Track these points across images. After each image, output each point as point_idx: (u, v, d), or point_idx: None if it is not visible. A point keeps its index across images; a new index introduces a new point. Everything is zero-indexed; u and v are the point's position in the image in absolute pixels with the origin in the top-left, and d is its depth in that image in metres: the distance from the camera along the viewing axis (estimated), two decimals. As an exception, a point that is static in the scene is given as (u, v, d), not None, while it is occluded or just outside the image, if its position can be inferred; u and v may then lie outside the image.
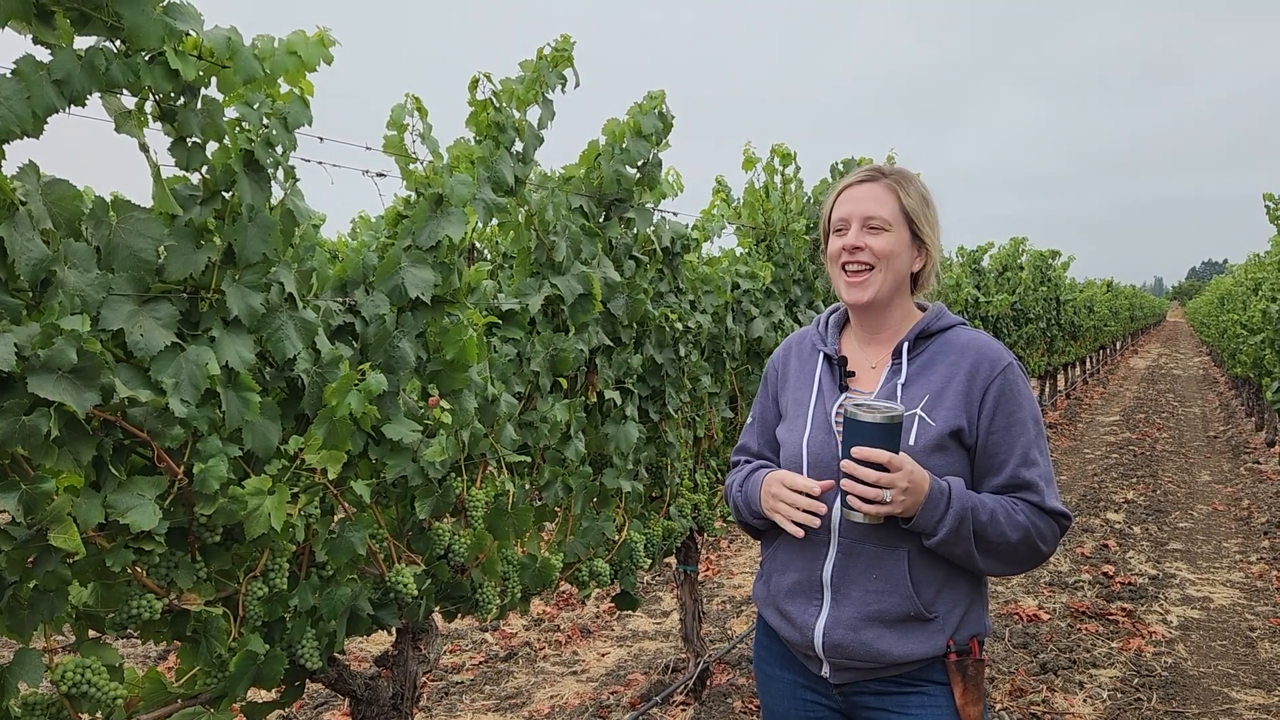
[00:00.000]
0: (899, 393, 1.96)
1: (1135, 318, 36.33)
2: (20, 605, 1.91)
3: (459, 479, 2.90)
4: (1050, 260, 14.20)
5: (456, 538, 2.86)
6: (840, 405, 1.98)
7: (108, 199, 2.00)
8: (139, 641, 2.01)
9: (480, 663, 5.50)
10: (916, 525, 1.84)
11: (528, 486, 3.25)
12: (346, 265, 2.59)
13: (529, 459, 3.20)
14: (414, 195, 2.75)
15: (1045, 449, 1.96)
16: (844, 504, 1.84)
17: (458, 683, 5.16)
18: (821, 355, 2.10)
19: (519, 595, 3.19)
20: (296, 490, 2.31)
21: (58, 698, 1.94)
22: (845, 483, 1.82)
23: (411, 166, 2.75)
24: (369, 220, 2.75)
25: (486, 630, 6.02)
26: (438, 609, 2.87)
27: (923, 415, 1.92)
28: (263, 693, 3.71)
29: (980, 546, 1.87)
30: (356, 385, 2.27)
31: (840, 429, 1.96)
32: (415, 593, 2.62)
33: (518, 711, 4.73)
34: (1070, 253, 15.33)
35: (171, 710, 2.15)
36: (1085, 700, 4.53)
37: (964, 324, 2.06)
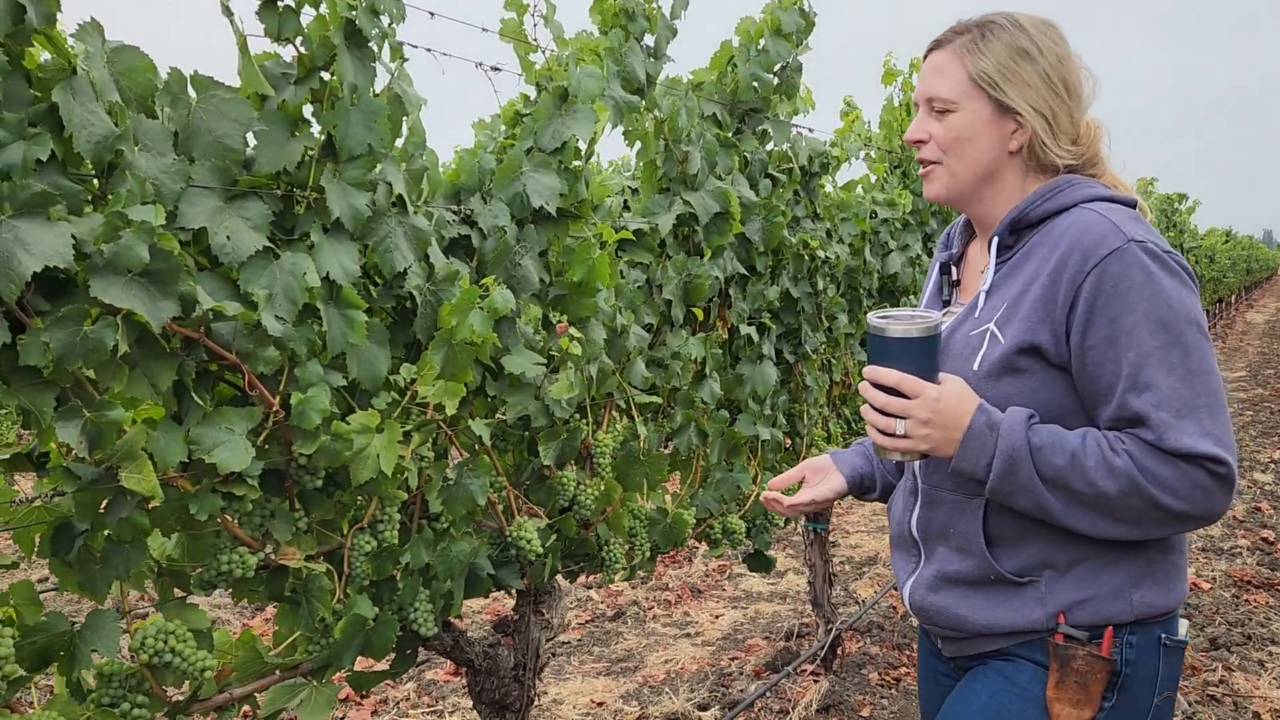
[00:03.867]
0: (981, 302, 1.56)
1: (1251, 270, 34.34)
2: (92, 558, 1.60)
3: (584, 421, 2.54)
4: (1177, 204, 13.25)
5: (582, 488, 2.51)
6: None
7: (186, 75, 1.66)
8: (233, 600, 1.67)
9: (587, 621, 5.21)
10: (957, 467, 1.46)
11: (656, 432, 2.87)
12: (460, 169, 2.22)
13: (658, 401, 2.82)
14: (535, 90, 2.36)
15: (1182, 364, 1.37)
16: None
17: (564, 643, 4.87)
18: (938, 264, 1.72)
19: (648, 554, 2.83)
20: (408, 429, 1.97)
21: (138, 668, 1.64)
22: (863, 409, 1.49)
23: (532, 57, 2.36)
24: (484, 123, 2.35)
25: (591, 587, 5.72)
26: (561, 568, 2.52)
27: (994, 330, 1.50)
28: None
29: (1061, 498, 1.41)
30: (479, 303, 1.91)
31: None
32: (539, 550, 2.27)
33: (630, 675, 4.41)
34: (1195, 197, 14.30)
35: (269, 682, 1.84)
36: (1273, 682, 4.01)
37: (1089, 202, 1.48)
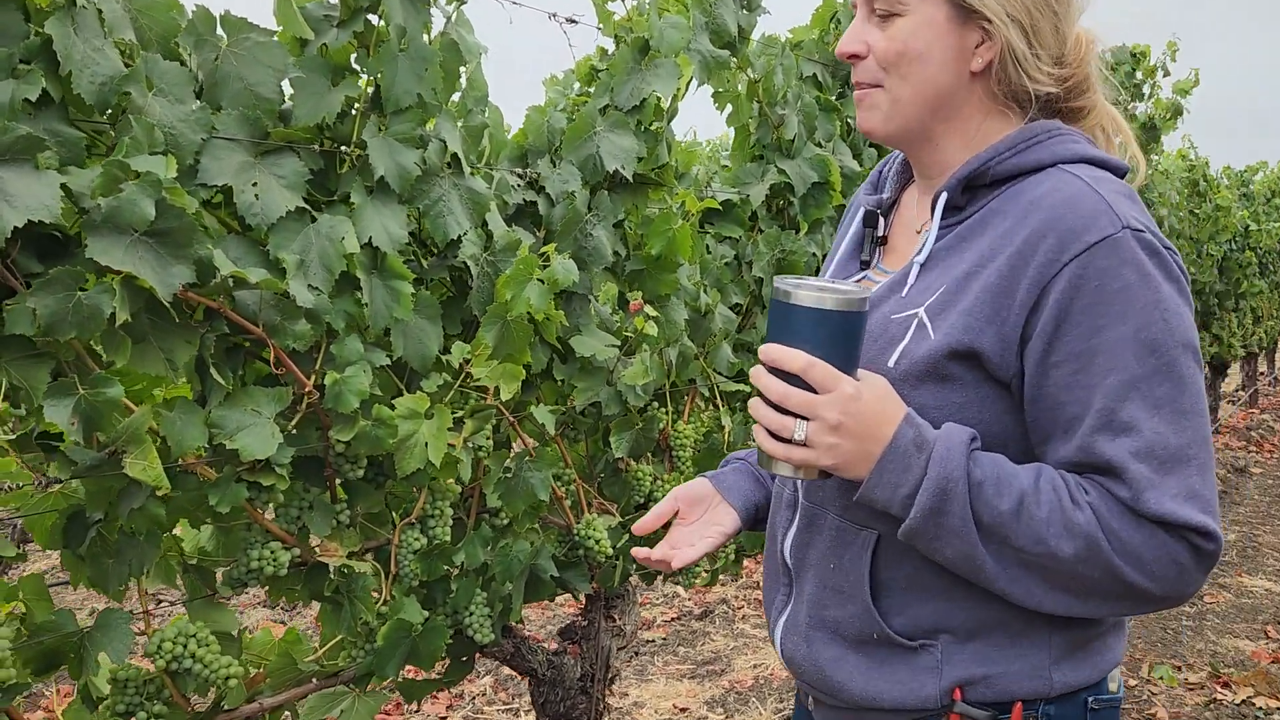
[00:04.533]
0: (912, 277, 1.18)
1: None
2: (105, 551, 1.45)
3: (662, 410, 2.31)
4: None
5: (659, 484, 2.28)
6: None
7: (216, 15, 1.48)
8: (270, 600, 1.49)
9: (673, 619, 4.99)
10: (867, 495, 1.08)
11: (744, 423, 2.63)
12: (528, 128, 2.01)
13: (746, 389, 2.57)
14: (613, 43, 2.14)
15: (1171, 401, 1.04)
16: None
17: (648, 641, 4.66)
18: (862, 210, 1.31)
19: (731, 556, 2.59)
20: (460, 415, 1.77)
21: (157, 674, 1.48)
22: (752, 403, 1.10)
23: (610, 7, 2.14)
24: (556, 79, 2.14)
25: (679, 583, 5.49)
26: (635, 571, 2.30)
27: (923, 319, 1.14)
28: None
29: (995, 553, 1.07)
30: (538, 274, 1.70)
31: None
32: (609, 550, 2.06)
33: (716, 680, 4.18)
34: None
35: (305, 691, 1.67)
36: None
37: (1073, 163, 1.13)
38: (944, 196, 1.16)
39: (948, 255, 1.16)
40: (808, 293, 1.04)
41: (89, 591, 5.01)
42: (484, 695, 4.02)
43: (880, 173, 1.34)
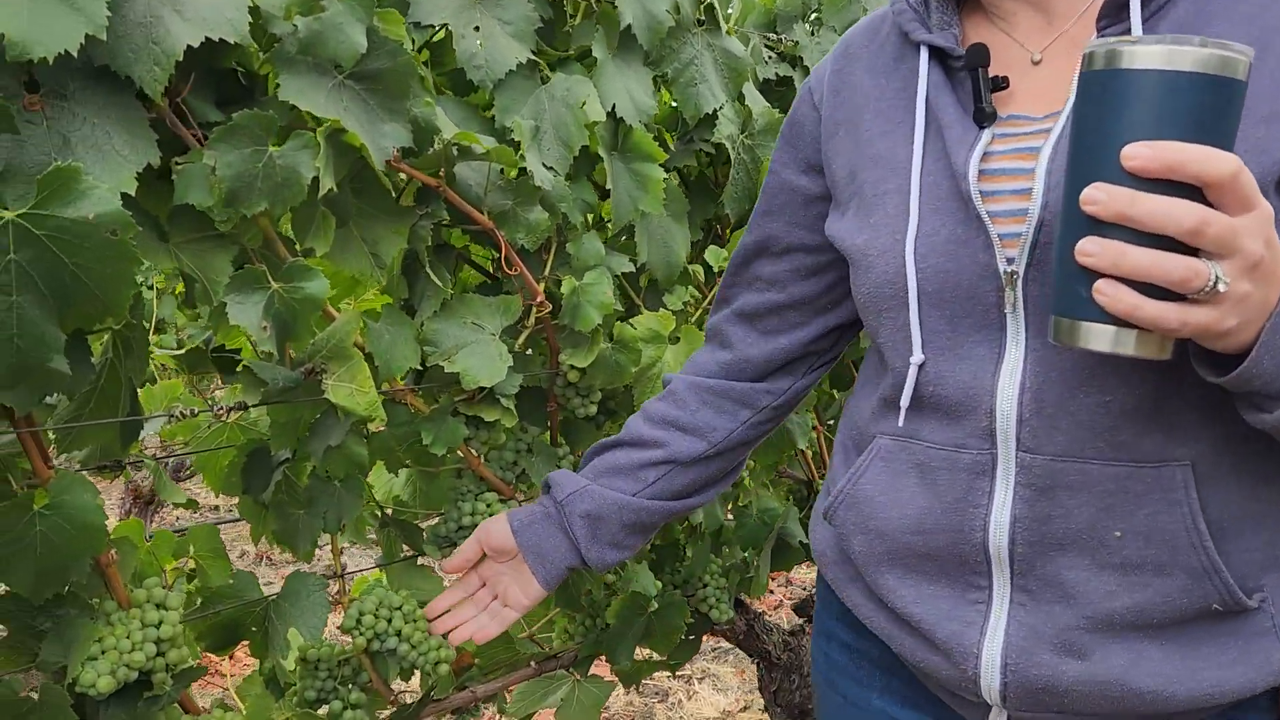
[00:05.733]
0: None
1: None
2: (294, 499, 1.14)
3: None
4: None
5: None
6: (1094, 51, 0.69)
7: None
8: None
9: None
10: (1252, 370, 0.71)
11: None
12: (779, -13, 1.61)
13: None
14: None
15: None
16: (1064, 310, 0.70)
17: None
18: (926, 52, 0.90)
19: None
20: (709, 340, 1.41)
21: (354, 653, 1.18)
22: (1104, 247, 0.66)
23: None
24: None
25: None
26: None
27: None
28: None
29: None
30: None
31: (1072, 117, 0.72)
32: (861, 513, 1.68)
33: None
34: None
35: (523, 677, 1.36)
36: None
37: None
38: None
39: None
40: (1158, 51, 0.63)
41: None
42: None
43: (919, 6, 0.92)
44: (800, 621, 1.80)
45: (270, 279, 0.90)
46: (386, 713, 1.21)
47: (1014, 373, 0.83)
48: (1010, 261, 0.82)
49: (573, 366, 1.24)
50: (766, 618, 1.73)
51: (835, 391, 1.83)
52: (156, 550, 1.16)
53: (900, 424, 0.91)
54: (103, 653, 0.93)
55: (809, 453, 1.73)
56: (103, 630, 0.94)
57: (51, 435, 0.99)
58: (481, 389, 1.15)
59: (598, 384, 1.26)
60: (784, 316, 1.06)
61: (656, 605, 1.40)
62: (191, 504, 1.18)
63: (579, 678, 1.43)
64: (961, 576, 0.88)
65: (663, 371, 1.32)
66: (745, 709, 3.25)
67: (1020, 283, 0.82)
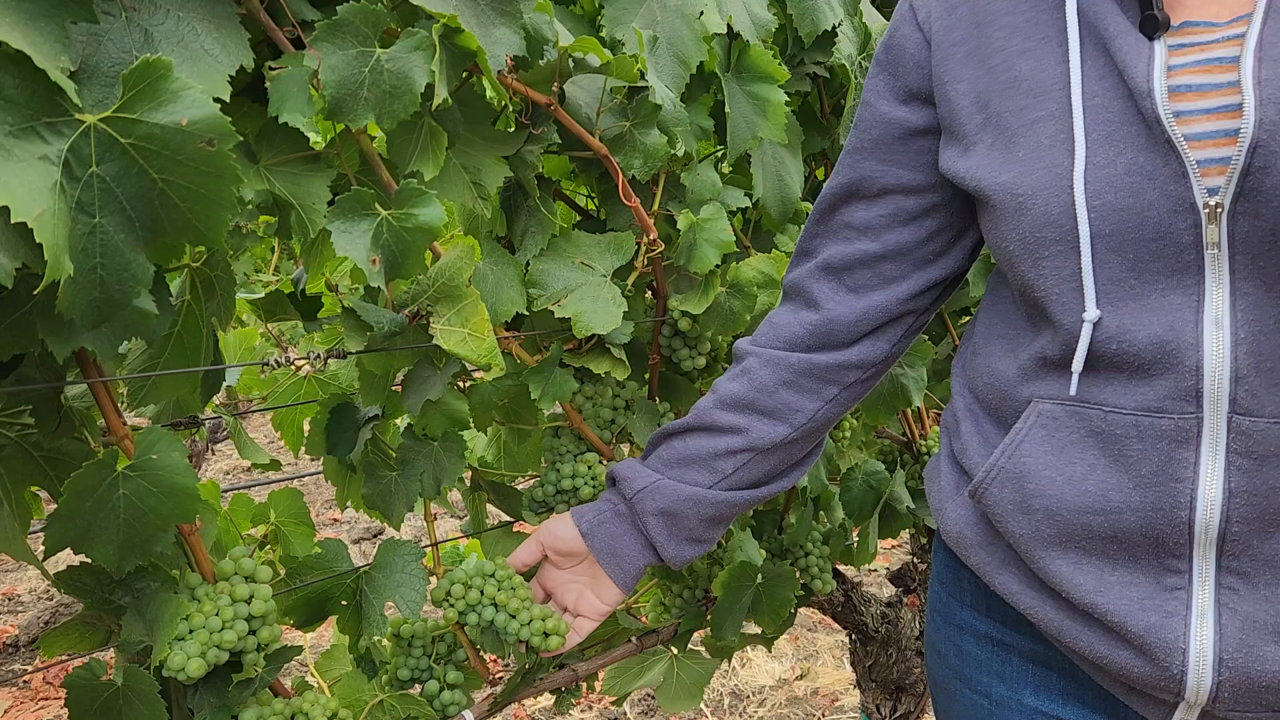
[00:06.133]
0: None
1: None
2: (385, 461, 1.03)
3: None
4: None
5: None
6: None
7: None
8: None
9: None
10: None
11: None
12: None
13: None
14: None
15: None
16: None
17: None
18: None
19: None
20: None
21: (449, 628, 1.08)
22: None
23: None
24: None
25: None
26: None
27: None
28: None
29: None
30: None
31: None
32: (965, 475, 1.56)
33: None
34: None
35: (624, 654, 1.25)
36: None
37: None
38: None
39: None
40: None
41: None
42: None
43: None
44: (897, 592, 1.69)
45: (378, 205, 0.78)
46: (484, 693, 1.10)
47: (1220, 322, 0.71)
48: (1212, 193, 0.69)
49: (684, 313, 1.12)
50: (864, 588, 1.62)
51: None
52: (234, 516, 1.05)
53: (1073, 389, 0.78)
54: (191, 632, 0.82)
55: (909, 410, 1.61)
56: (189, 607, 0.83)
57: (123, 388, 0.88)
58: (589, 338, 1.03)
59: (710, 333, 1.14)
60: (878, 270, 0.93)
61: (761, 575, 1.29)
62: (274, 464, 1.07)
63: (677, 654, 1.32)
64: (1155, 560, 0.76)
65: (775, 319, 1.20)
66: (801, 677, 3.16)
67: (1225, 217, 0.69)
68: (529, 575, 1.06)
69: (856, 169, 0.92)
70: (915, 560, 1.70)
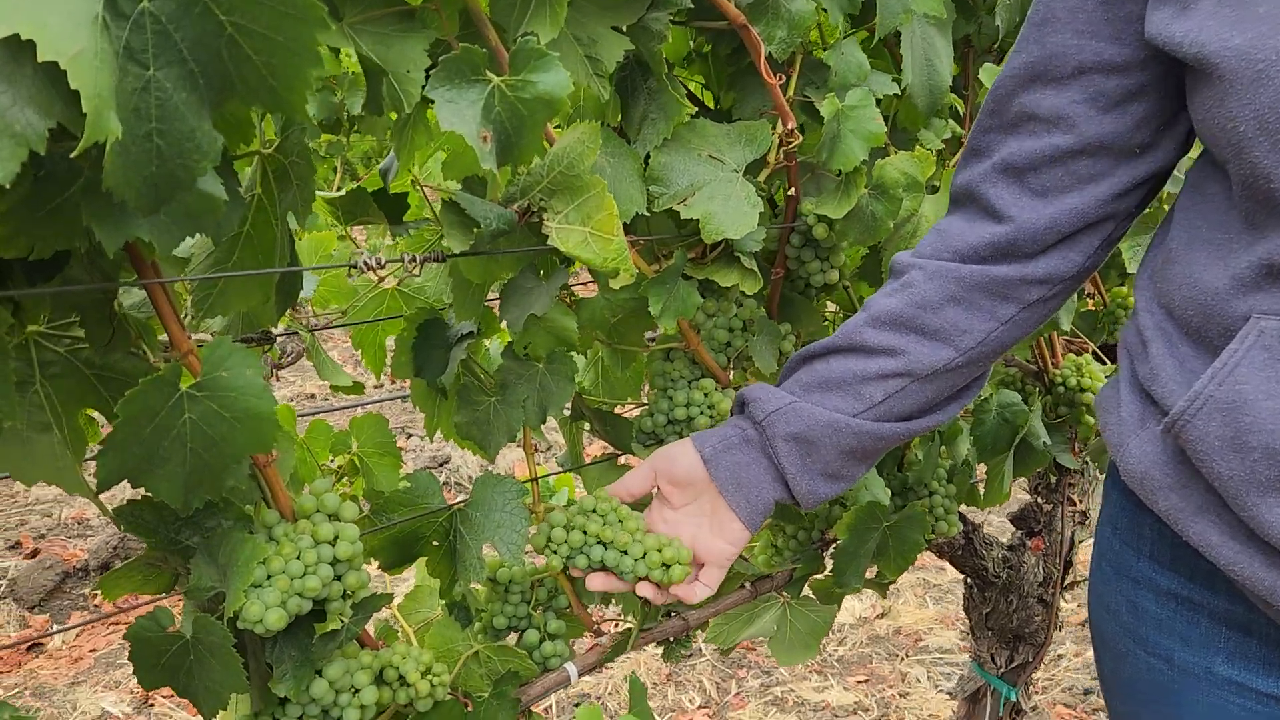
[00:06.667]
0: None
1: None
2: (481, 385, 0.90)
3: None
4: None
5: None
6: None
7: None
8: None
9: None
10: None
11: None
12: None
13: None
14: None
15: None
16: None
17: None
18: None
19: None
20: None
21: (551, 573, 0.96)
22: None
23: None
24: None
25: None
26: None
27: None
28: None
29: None
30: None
31: None
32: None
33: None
34: None
35: (736, 601, 1.12)
36: None
37: None
38: None
39: None
40: None
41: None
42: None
43: None
44: (1019, 534, 1.55)
45: (487, 70, 0.63)
46: (588, 644, 0.99)
47: None
48: None
49: (820, 218, 0.97)
50: (986, 531, 1.48)
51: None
52: (311, 445, 0.94)
53: None
54: (269, 578, 0.71)
55: (1043, 343, 1.45)
56: (266, 549, 0.72)
57: (187, 296, 0.76)
58: (715, 245, 0.88)
59: (847, 242, 0.99)
60: (1071, 168, 0.77)
61: (891, 516, 1.16)
62: (358, 387, 0.95)
63: (790, 601, 1.20)
64: None
65: (919, 228, 1.05)
66: (882, 615, 3.05)
67: None
68: (637, 508, 0.93)
69: (1045, 44, 0.75)
70: (1039, 500, 1.55)
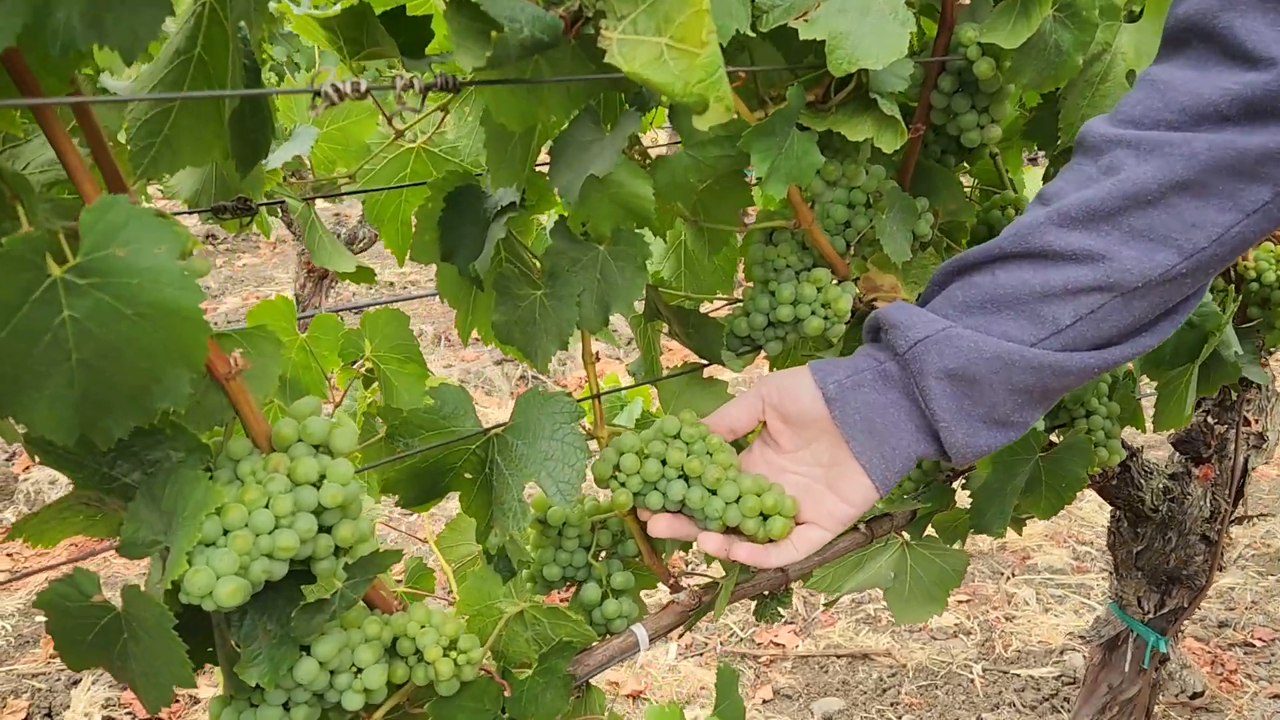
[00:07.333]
0: None
1: None
2: (527, 276, 0.69)
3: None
4: None
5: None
6: None
7: None
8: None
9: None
10: None
11: None
12: None
13: None
14: None
15: None
16: None
17: None
18: None
19: None
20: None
21: (616, 516, 0.76)
22: None
23: None
24: None
25: None
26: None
27: None
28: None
29: None
30: None
31: None
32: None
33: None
34: None
35: (847, 546, 0.91)
36: None
37: None
38: None
39: None
40: None
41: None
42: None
43: None
44: (1183, 460, 1.29)
45: None
46: (663, 600, 0.79)
47: None
48: None
49: (984, 49, 0.71)
50: (1144, 457, 1.23)
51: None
52: (314, 348, 0.74)
53: None
54: (225, 534, 0.52)
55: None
56: (224, 494, 0.53)
57: (123, 138, 0.56)
58: (845, 80, 0.64)
59: (1021, 83, 0.73)
60: None
61: (1044, 452, 0.92)
62: (365, 274, 0.75)
63: (912, 542, 0.98)
64: None
65: (1110, 69, 0.78)
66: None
67: None
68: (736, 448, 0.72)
69: None
70: (1210, 421, 1.29)
